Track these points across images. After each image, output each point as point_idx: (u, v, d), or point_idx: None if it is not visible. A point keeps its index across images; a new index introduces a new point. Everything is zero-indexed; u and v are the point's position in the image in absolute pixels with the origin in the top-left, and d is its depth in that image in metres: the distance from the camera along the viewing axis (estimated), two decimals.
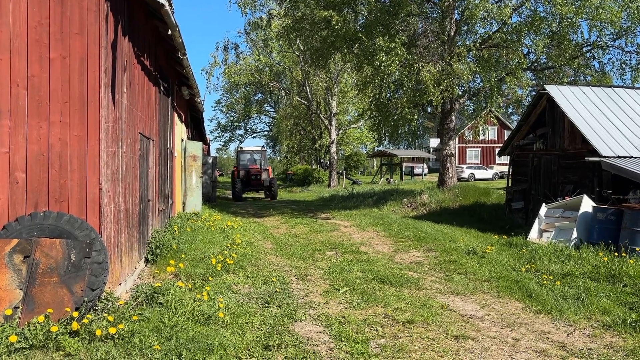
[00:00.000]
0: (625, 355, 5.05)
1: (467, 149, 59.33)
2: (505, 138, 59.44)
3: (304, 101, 38.81)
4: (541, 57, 18.22)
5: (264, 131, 64.54)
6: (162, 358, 4.47)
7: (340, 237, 12.59)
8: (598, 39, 18.14)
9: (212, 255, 8.73)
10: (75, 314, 4.80)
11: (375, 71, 15.60)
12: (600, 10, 16.48)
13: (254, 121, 61.55)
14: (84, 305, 4.98)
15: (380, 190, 25.06)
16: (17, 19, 5.44)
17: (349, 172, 47.80)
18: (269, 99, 55.09)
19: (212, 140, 58.72)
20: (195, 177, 17.23)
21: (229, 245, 10.06)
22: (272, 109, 59.51)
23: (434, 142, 64.61)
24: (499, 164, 55.74)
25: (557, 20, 16.92)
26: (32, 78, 5.48)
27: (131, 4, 7.21)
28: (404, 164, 44.04)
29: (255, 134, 64.03)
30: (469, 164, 52.05)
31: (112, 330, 4.76)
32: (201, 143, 18.75)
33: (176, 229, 10.38)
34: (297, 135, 45.52)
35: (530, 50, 18.48)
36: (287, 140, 45.38)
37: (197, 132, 25.76)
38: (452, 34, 17.71)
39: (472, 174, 42.11)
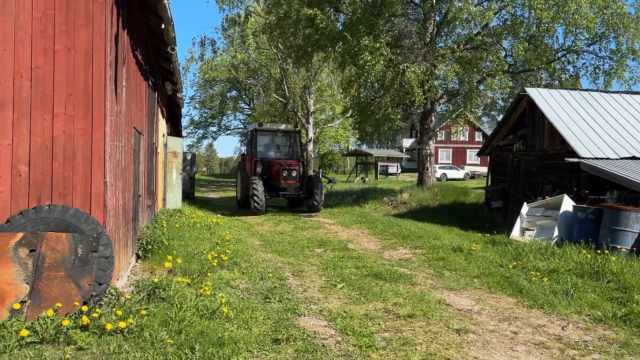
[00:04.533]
0: (619, 347, 5.28)
1: (440, 150, 60.16)
2: (476, 139, 60.09)
3: (281, 99, 38.77)
4: (519, 60, 18.66)
5: (239, 128, 64.15)
6: (175, 352, 4.47)
7: (327, 234, 12.68)
8: (573, 44, 18.71)
9: (203, 252, 8.72)
10: (85, 308, 4.76)
11: (360, 70, 15.76)
12: (577, 16, 17.01)
13: (227, 118, 61.12)
14: (92, 299, 4.95)
15: (359, 189, 25.26)
16: (21, 9, 5.35)
17: (324, 171, 47.92)
18: (244, 96, 54.79)
19: (185, 137, 58.08)
20: (175, 173, 17.09)
21: (218, 242, 10.04)
22: (247, 106, 59.17)
23: (407, 142, 65.35)
24: (469, 165, 56.81)
25: (535, 25, 17.40)
26: (37, 69, 5.39)
27: None
28: (379, 164, 44.47)
29: (229, 131, 63.64)
30: (441, 164, 52.79)
31: (122, 325, 4.74)
32: (182, 139, 18.60)
33: (165, 225, 10.30)
34: None
35: (507, 53, 18.94)
36: None
37: (173, 127, 25.48)
38: (433, 35, 18.00)
39: (445, 173, 42.88)
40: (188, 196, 22.61)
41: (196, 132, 60.54)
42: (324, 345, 4.99)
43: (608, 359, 4.98)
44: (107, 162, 5.59)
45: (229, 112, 57.47)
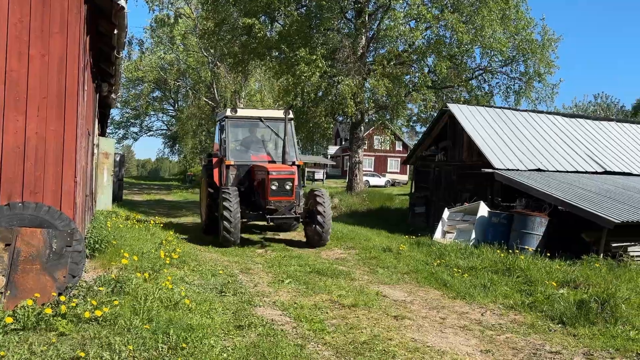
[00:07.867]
0: (527, 328, 6.32)
1: (363, 157, 62.11)
2: (397, 148, 62.31)
3: (210, 102, 38.77)
4: (441, 76, 20.23)
5: (161, 129, 62.96)
6: (151, 336, 4.93)
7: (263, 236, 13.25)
8: (489, 64, 20.56)
9: (152, 251, 9.04)
10: (63, 298, 5.10)
11: (297, 80, 16.52)
12: (492, 40, 18.79)
13: (150, 119, 59.84)
14: (67, 290, 5.28)
15: None
16: None
17: None
18: (170, 98, 53.98)
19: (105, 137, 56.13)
20: (106, 174, 16.99)
21: (163, 241, 10.34)
22: (172, 108, 58.29)
23: (332, 149, 67.05)
24: (390, 172, 59.30)
25: (456, 45, 19.00)
26: (11, 73, 5.65)
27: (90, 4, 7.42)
28: (306, 170, 45.53)
29: (151, 132, 62.28)
30: (364, 171, 54.71)
31: (99, 313, 5.11)
32: (114, 140, 18.45)
33: (109, 225, 10.45)
34: (202, 135, 45.24)
35: (430, 70, 20.47)
36: (192, 140, 44.96)
37: (101, 128, 24.99)
38: (365, 50, 19.13)
39: (367, 181, 44.53)
40: (116, 198, 22.31)
41: (116, 132, 58.79)
42: (282, 330, 5.63)
43: (518, 337, 5.99)
44: (77, 163, 5.92)
45: (152, 112, 56.34)
